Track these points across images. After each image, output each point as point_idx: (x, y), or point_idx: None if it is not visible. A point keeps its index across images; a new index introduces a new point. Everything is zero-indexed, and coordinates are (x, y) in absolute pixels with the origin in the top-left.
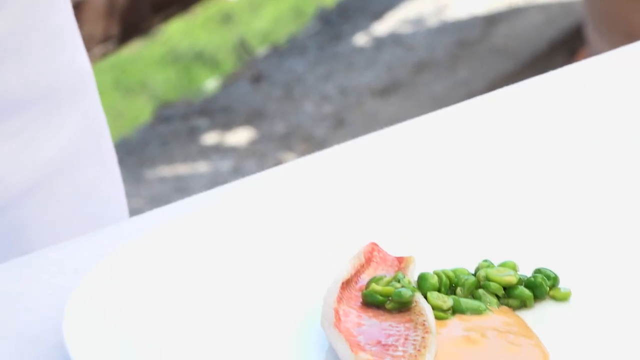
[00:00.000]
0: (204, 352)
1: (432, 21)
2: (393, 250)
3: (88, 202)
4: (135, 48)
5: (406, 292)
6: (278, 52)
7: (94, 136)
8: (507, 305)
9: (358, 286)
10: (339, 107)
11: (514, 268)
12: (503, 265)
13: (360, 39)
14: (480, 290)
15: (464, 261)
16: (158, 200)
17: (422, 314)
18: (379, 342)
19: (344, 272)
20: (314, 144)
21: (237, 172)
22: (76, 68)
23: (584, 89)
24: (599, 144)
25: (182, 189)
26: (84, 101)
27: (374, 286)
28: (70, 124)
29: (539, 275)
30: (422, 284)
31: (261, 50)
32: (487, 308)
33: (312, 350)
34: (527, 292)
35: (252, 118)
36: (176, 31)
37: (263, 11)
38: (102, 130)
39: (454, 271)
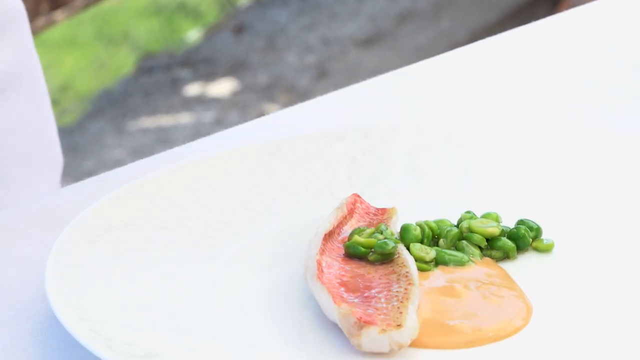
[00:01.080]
0: (184, 305)
1: None
2: (376, 201)
3: (17, 137)
4: None
5: (389, 244)
6: (260, 2)
7: (26, 73)
8: (490, 256)
9: (340, 238)
10: (321, 57)
11: (497, 219)
12: (486, 216)
13: None
14: (463, 242)
15: (446, 213)
16: (141, 152)
17: (404, 265)
18: (361, 294)
19: (327, 224)
20: (297, 94)
21: (220, 123)
22: (5, 6)
23: (565, 40)
24: (581, 94)
25: (164, 140)
26: (14, 38)
27: (357, 238)
28: None
29: (522, 227)
30: (404, 235)
31: (243, 1)
32: (469, 259)
33: (295, 302)
34: (509, 244)
35: (234, 69)
36: None
37: None
38: (34, 69)
39: (437, 223)
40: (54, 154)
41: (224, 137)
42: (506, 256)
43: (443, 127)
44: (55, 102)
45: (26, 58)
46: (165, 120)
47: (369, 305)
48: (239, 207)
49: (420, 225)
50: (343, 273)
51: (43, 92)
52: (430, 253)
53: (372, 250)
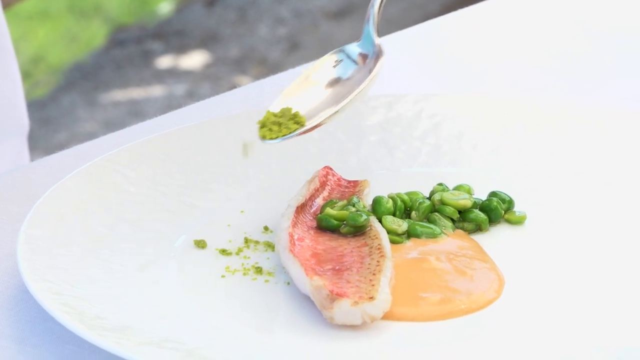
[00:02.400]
0: (156, 278)
1: None
2: (348, 174)
3: None
4: None
5: (361, 216)
6: None
7: None
8: (462, 228)
9: (312, 210)
10: (293, 30)
11: (469, 192)
12: (458, 188)
13: None
14: (435, 214)
15: (418, 185)
16: (112, 124)
17: (377, 238)
18: (333, 267)
19: (299, 197)
20: (268, 67)
21: (192, 96)
22: None
23: (535, 13)
24: (552, 65)
25: (136, 112)
26: None
27: (329, 210)
28: None
29: (494, 199)
30: (377, 208)
31: None
32: (442, 232)
33: (267, 275)
34: (482, 216)
35: (206, 41)
36: None
37: None
38: (1, 34)
39: (409, 195)
40: (20, 117)
41: (196, 109)
42: (478, 228)
43: (415, 100)
44: (27, 75)
45: None
46: (137, 92)
47: (341, 278)
48: (211, 180)
49: (392, 198)
50: (315, 245)
51: (10, 55)
52: (402, 225)
53: (344, 222)
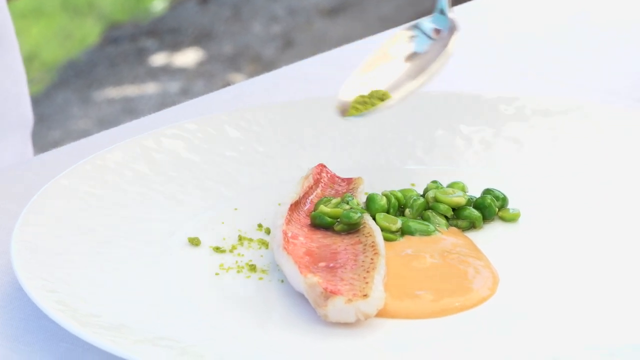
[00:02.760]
0: (151, 276)
1: None
2: (342, 172)
3: None
4: None
5: (354, 214)
6: None
7: None
8: (456, 226)
9: (306, 208)
10: (287, 27)
11: (463, 189)
12: (452, 186)
13: None
14: (429, 212)
15: (412, 182)
16: (106, 122)
17: (371, 235)
18: (327, 264)
19: (293, 194)
20: (263, 64)
21: (186, 93)
22: None
23: (528, 10)
24: (547, 62)
25: (130, 110)
26: None
27: (323, 208)
28: None
29: (488, 196)
30: (370, 205)
31: None
32: (436, 229)
33: (261, 273)
34: (475, 213)
35: (200, 39)
36: None
37: None
38: (6, 25)
39: (403, 192)
40: (23, 112)
41: (190, 107)
42: (472, 226)
43: (408, 97)
44: None
45: None
46: (130, 90)
47: (335, 276)
48: (204, 177)
49: (386, 195)
50: (309, 243)
51: (14, 50)
52: (396, 223)
53: (338, 220)
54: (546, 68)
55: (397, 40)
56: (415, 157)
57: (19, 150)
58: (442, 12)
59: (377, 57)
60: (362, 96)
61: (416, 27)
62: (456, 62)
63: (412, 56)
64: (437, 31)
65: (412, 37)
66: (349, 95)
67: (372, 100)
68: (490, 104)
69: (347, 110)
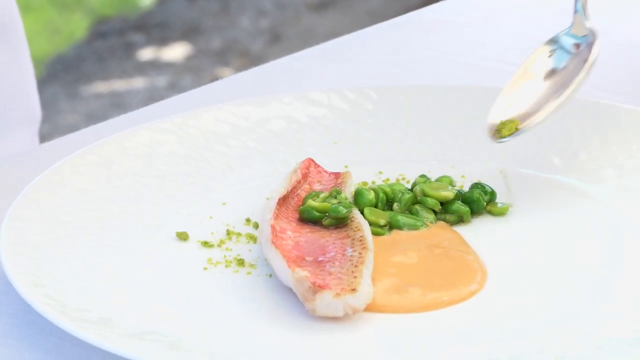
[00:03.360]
0: (138, 270)
1: None
2: (330, 166)
3: None
4: None
5: (343, 208)
6: None
7: (6, 24)
8: (444, 220)
9: (294, 202)
10: (275, 22)
11: (451, 183)
12: (440, 180)
13: None
14: (417, 206)
15: (400, 177)
16: (94, 117)
17: (359, 229)
18: (315, 259)
19: (281, 189)
20: (251, 59)
21: (174, 88)
22: None
23: (512, 4)
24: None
25: (118, 104)
26: None
27: (311, 202)
28: None
29: (476, 190)
30: (358, 199)
31: None
32: (424, 223)
33: (249, 267)
34: (464, 207)
35: (188, 33)
36: None
37: None
38: (13, 21)
39: (391, 187)
40: (32, 106)
41: (178, 101)
42: (460, 220)
43: (396, 92)
44: None
45: (6, 9)
46: (119, 85)
47: (323, 270)
48: (192, 172)
49: (374, 190)
50: (297, 237)
51: (23, 44)
52: (384, 217)
53: (326, 214)
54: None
55: (537, 57)
56: (404, 152)
57: (27, 145)
58: (579, 22)
59: (518, 76)
60: (504, 122)
61: (554, 41)
62: (436, 56)
63: (552, 73)
64: (577, 45)
65: (552, 52)
66: (497, 118)
67: (514, 126)
68: (478, 98)
69: (497, 133)
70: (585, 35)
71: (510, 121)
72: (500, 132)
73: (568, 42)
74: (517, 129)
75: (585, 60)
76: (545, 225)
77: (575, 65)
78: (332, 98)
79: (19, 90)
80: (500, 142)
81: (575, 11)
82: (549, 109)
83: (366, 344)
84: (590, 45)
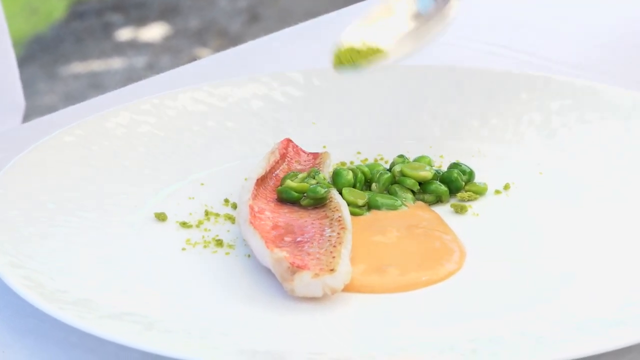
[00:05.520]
0: (117, 251)
1: None
2: (308, 146)
3: None
4: None
5: (321, 189)
6: None
7: None
8: (423, 200)
9: (273, 183)
10: (253, 1)
11: (429, 163)
12: (418, 160)
13: None
14: (396, 186)
15: (378, 157)
16: (73, 97)
17: (337, 210)
18: (294, 239)
19: (259, 169)
20: (229, 39)
21: (152, 68)
22: None
23: None
24: (509, 36)
25: (96, 85)
26: None
27: (289, 182)
28: None
29: (455, 170)
30: (337, 180)
31: None
32: (402, 204)
33: (228, 247)
34: (442, 188)
35: (166, 13)
36: None
37: None
38: None
39: (369, 167)
40: (15, 96)
41: (156, 82)
42: (439, 200)
43: (373, 72)
44: None
45: None
46: (97, 65)
47: (302, 250)
48: (171, 152)
49: (352, 170)
50: (276, 218)
51: (5, 34)
52: (362, 197)
53: (305, 194)
54: (511, 42)
55: None
56: (382, 132)
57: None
58: None
59: (380, 10)
60: (356, 49)
61: None
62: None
63: (415, 16)
64: None
65: None
66: (346, 43)
67: (367, 54)
68: (457, 77)
69: (341, 59)
70: None
71: (355, 50)
72: (340, 58)
73: None
74: (356, 61)
75: (447, 13)
76: (524, 205)
77: (436, 13)
78: (310, 78)
79: (3, 82)
80: (340, 69)
81: None
82: (400, 53)
83: (345, 324)
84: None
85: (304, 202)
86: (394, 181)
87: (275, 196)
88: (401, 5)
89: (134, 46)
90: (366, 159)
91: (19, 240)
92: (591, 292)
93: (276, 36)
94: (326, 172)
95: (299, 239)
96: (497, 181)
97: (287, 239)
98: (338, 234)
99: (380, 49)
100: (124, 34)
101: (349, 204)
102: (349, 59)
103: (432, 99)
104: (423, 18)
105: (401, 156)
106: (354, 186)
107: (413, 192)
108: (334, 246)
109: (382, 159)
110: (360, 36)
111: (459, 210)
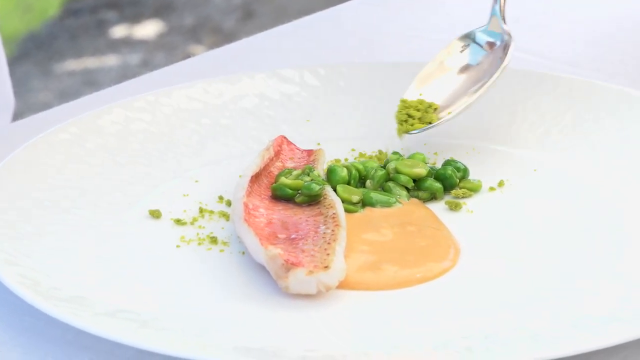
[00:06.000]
0: (111, 248)
1: None
2: (302, 143)
3: None
4: None
5: (315, 186)
6: None
7: None
8: (417, 197)
9: (267, 180)
10: None
11: (424, 160)
12: (412, 157)
13: None
14: (390, 183)
15: (373, 154)
16: (67, 94)
17: (331, 207)
18: (288, 236)
19: (253, 166)
20: (223, 36)
21: (146, 65)
22: None
23: None
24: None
25: (91, 82)
26: None
27: (283, 180)
28: None
29: (449, 167)
30: (331, 177)
31: None
32: (397, 200)
33: (222, 244)
34: (436, 184)
35: (160, 10)
36: None
37: None
38: None
39: (364, 164)
40: (5, 94)
41: (151, 79)
42: (433, 197)
43: (367, 68)
44: None
45: None
46: (91, 62)
47: (296, 247)
48: (165, 150)
49: (347, 167)
50: (270, 215)
51: None
52: (357, 194)
53: (299, 192)
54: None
55: (451, 51)
56: (376, 129)
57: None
58: (495, 23)
59: (432, 68)
60: (418, 110)
61: (469, 37)
62: (408, 33)
63: (466, 68)
64: (491, 44)
65: (464, 47)
66: (405, 108)
67: (429, 116)
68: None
69: (405, 127)
70: (500, 34)
71: (416, 114)
72: (404, 127)
73: (483, 39)
74: (418, 125)
75: (500, 60)
76: (519, 202)
77: (489, 64)
78: (305, 75)
79: None
80: (410, 134)
81: (492, 14)
82: (459, 107)
83: (339, 321)
84: (505, 47)
85: (298, 199)
86: (388, 178)
87: (270, 193)
88: (452, 59)
89: (129, 43)
90: (361, 155)
91: (13, 238)
92: (585, 289)
93: (271, 33)
94: (320, 169)
95: (293, 236)
96: (491, 178)
97: (281, 236)
98: (332, 231)
99: (439, 107)
100: (119, 31)
101: (343, 201)
102: (411, 126)
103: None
104: (476, 69)
105: (395, 153)
106: (349, 183)
107: (407, 189)
108: (329, 243)
109: (376, 155)
110: (418, 97)
111: (454, 207)
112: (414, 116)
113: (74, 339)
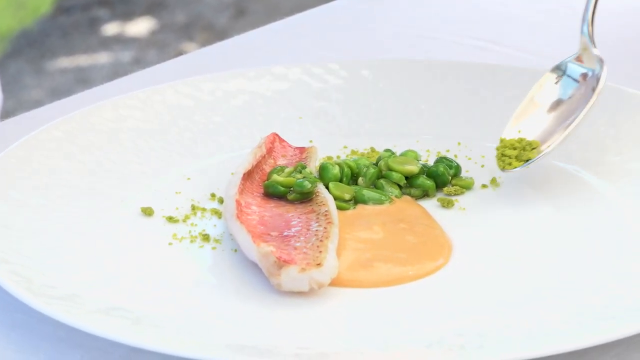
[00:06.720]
0: (104, 246)
1: None
2: (295, 141)
3: None
4: None
5: (308, 183)
6: None
7: None
8: (409, 194)
9: (259, 177)
10: None
11: (416, 157)
12: (404, 154)
13: None
14: (382, 180)
15: (365, 151)
16: (59, 92)
17: (324, 204)
18: (280, 233)
19: (246, 163)
20: (215, 33)
21: (138, 63)
22: None
23: None
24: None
25: (83, 80)
26: None
27: (276, 177)
28: None
29: (441, 165)
30: (323, 174)
31: None
32: (389, 198)
33: (214, 242)
34: (429, 182)
35: (152, 8)
36: None
37: None
38: None
39: (356, 161)
40: None
41: (143, 76)
42: (425, 194)
43: (360, 66)
44: None
45: None
46: (83, 60)
47: (289, 245)
48: (157, 147)
49: (339, 164)
50: (262, 212)
51: None
52: (349, 192)
53: (291, 189)
54: (499, 37)
55: (543, 85)
56: (368, 126)
57: None
58: (586, 50)
59: (526, 104)
60: (515, 149)
61: (560, 68)
62: (401, 30)
63: (558, 102)
64: (584, 75)
65: (558, 79)
66: (503, 147)
67: (527, 154)
68: (442, 71)
69: (505, 164)
70: (594, 65)
71: (514, 151)
72: (505, 163)
73: (575, 71)
74: (522, 164)
75: (593, 90)
76: (511, 199)
77: (582, 94)
78: (296, 73)
79: None
80: (510, 172)
81: (582, 33)
82: (556, 140)
83: (332, 319)
84: (598, 76)
85: (290, 196)
86: (380, 175)
87: (262, 191)
88: (542, 94)
89: (121, 41)
90: (353, 153)
91: (6, 236)
92: (578, 286)
93: (263, 31)
94: (313, 167)
95: (285, 234)
96: (483, 175)
97: (273, 233)
98: (325, 228)
99: (536, 144)
100: (111, 28)
101: (335, 199)
102: (509, 165)
103: (418, 93)
104: (567, 102)
105: (388, 150)
106: (341, 180)
107: (400, 186)
108: (321, 240)
109: (368, 153)
110: (518, 135)
111: (446, 204)
112: (510, 155)
113: (67, 337)
